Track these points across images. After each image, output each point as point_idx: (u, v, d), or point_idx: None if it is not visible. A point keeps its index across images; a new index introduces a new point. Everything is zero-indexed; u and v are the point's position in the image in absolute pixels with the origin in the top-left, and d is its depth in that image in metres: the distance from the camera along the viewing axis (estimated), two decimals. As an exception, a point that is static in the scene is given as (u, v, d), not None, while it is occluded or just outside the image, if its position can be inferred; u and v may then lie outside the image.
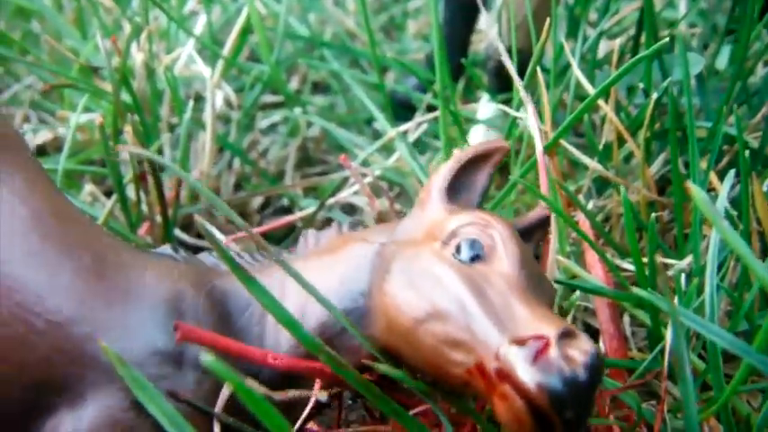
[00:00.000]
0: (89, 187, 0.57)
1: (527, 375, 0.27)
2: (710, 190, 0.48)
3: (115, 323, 0.31)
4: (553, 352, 0.27)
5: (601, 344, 0.43)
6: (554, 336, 0.28)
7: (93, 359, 0.30)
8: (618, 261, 0.47)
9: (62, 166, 0.53)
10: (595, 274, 0.44)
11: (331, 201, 0.57)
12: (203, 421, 0.31)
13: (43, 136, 0.65)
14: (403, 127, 0.60)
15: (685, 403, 0.28)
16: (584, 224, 0.46)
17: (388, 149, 0.61)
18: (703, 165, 0.48)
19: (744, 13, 0.52)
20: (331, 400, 0.34)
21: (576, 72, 0.50)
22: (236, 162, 0.64)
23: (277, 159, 0.67)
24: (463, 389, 0.30)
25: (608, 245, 0.48)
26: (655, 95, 0.48)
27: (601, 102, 0.49)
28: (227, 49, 0.62)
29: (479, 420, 0.34)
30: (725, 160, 0.52)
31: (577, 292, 0.44)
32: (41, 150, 0.66)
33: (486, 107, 0.60)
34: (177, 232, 0.56)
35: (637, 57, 0.43)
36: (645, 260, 0.42)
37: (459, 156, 0.36)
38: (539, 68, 0.47)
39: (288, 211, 0.62)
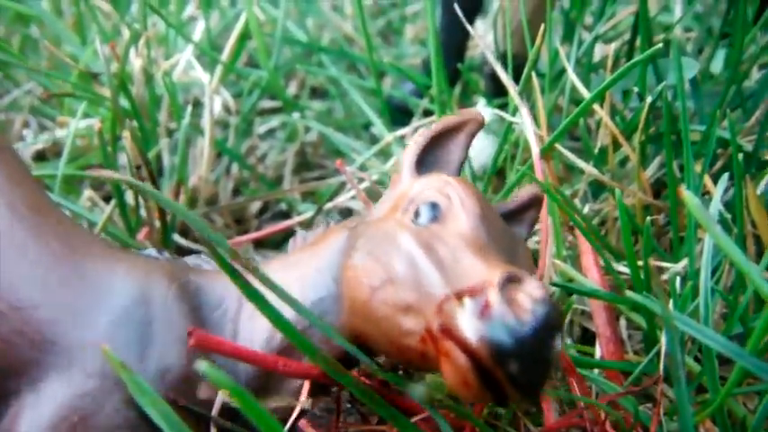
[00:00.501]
0: (88, 192, 0.58)
1: (468, 327, 0.25)
2: (705, 193, 0.49)
3: (79, 309, 0.31)
4: (494, 298, 0.25)
5: (597, 347, 0.43)
6: (497, 281, 0.25)
7: (54, 344, 0.30)
8: (614, 264, 0.47)
9: (61, 171, 0.54)
10: (591, 277, 0.45)
11: (329, 205, 0.57)
12: (191, 423, 0.31)
13: (42, 141, 0.65)
14: (400, 132, 0.60)
15: (680, 406, 0.28)
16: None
17: (385, 154, 0.61)
18: (698, 168, 0.48)
19: (738, 16, 0.52)
20: (313, 405, 0.34)
21: (572, 76, 0.50)
22: (235, 167, 0.65)
23: (275, 164, 0.67)
24: (423, 362, 0.29)
25: (604, 248, 0.48)
26: (649, 99, 0.48)
27: (596, 106, 0.49)
28: (225, 55, 0.62)
29: (478, 424, 0.35)
30: (719, 163, 0.52)
31: (574, 296, 0.44)
32: (41, 156, 0.67)
33: (482, 112, 0.60)
34: (176, 237, 0.56)
35: (631, 61, 0.43)
36: (640, 263, 0.43)
37: (427, 131, 0.35)
38: (534, 73, 0.47)
39: (286, 215, 0.62)
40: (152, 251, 0.37)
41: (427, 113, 0.65)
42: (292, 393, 0.33)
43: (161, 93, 0.62)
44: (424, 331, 0.27)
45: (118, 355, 0.29)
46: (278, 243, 0.59)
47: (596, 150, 0.52)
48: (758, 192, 0.47)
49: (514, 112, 0.50)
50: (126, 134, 0.49)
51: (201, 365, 0.21)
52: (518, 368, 0.24)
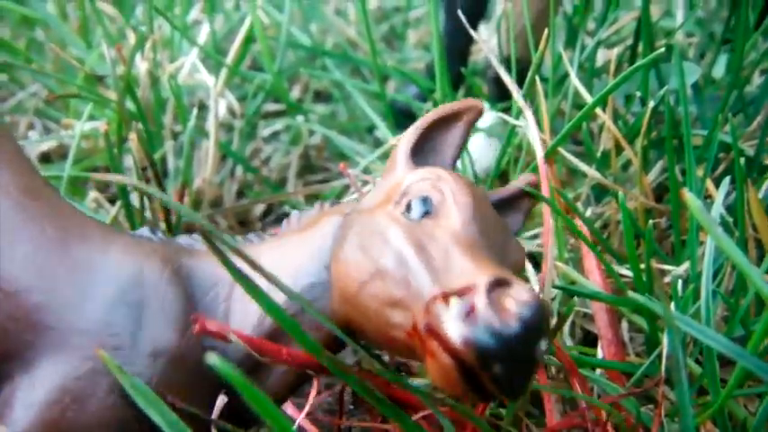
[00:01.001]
0: (93, 194, 0.58)
1: (453, 329, 0.25)
2: (707, 197, 0.49)
3: (73, 294, 0.31)
4: (480, 302, 0.25)
5: (599, 349, 0.44)
6: (484, 284, 0.25)
7: (48, 329, 0.31)
8: (616, 267, 0.47)
9: (67, 173, 0.54)
10: (593, 279, 0.45)
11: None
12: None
13: (48, 143, 0.66)
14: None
15: (681, 407, 0.29)
16: (583, 231, 0.46)
17: (388, 157, 0.62)
18: (700, 172, 0.48)
19: (739, 22, 0.53)
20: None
21: (575, 81, 0.50)
22: (239, 170, 0.65)
23: (279, 167, 0.68)
24: (408, 353, 0.29)
25: (606, 251, 0.48)
26: (651, 104, 0.48)
27: (599, 110, 0.50)
28: (230, 58, 0.63)
29: (480, 424, 0.35)
30: (721, 168, 0.52)
31: (576, 298, 0.44)
32: (46, 157, 0.67)
33: (486, 115, 0.61)
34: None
35: (633, 66, 0.44)
36: (642, 266, 0.43)
37: (423, 118, 0.34)
38: (537, 77, 0.48)
39: (290, 218, 0.62)
40: (145, 230, 0.37)
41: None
42: (280, 376, 0.33)
43: (166, 96, 0.62)
44: (411, 327, 0.27)
45: (111, 338, 0.31)
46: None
47: (599, 154, 0.53)
48: (760, 196, 0.47)
49: (518, 115, 0.50)
50: (132, 136, 0.50)
51: (211, 359, 0.22)
52: (502, 370, 0.24)
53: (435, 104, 0.57)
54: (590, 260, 0.45)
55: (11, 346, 0.31)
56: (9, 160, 0.34)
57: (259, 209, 0.63)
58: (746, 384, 0.42)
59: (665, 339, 0.38)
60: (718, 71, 0.63)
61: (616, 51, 0.54)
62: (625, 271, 0.47)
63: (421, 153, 0.34)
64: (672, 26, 0.76)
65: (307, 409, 0.36)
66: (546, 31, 0.47)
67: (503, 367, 0.24)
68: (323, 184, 0.62)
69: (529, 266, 0.51)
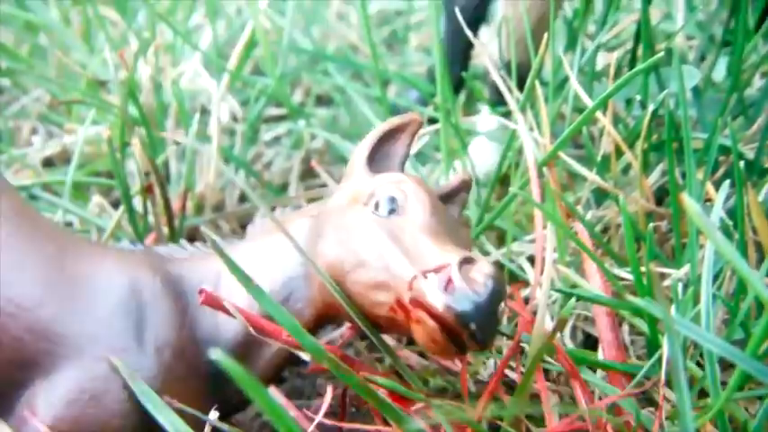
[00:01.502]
0: (96, 199, 0.58)
1: (435, 299, 0.31)
2: (708, 200, 0.49)
3: (78, 304, 0.35)
4: (455, 276, 0.32)
5: (600, 352, 0.44)
6: (456, 262, 0.32)
7: (62, 337, 0.35)
8: (617, 270, 0.48)
9: (71, 177, 0.55)
10: (594, 283, 0.45)
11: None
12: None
13: (51, 148, 0.66)
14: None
15: (681, 410, 0.29)
16: (583, 234, 0.46)
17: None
18: (700, 175, 0.49)
19: (738, 24, 0.53)
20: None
21: (575, 85, 0.50)
22: (241, 174, 0.65)
23: (281, 171, 0.68)
24: (390, 325, 0.35)
25: (607, 254, 0.49)
26: (651, 108, 0.48)
27: (599, 114, 0.50)
28: (231, 63, 0.63)
29: (479, 429, 0.35)
30: (721, 171, 0.53)
31: (576, 300, 0.44)
32: (49, 162, 0.67)
33: (486, 120, 0.61)
34: (183, 242, 0.57)
35: (632, 71, 0.44)
36: (643, 269, 0.43)
37: (376, 130, 0.41)
38: (537, 82, 0.48)
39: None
40: (126, 243, 0.42)
41: (432, 121, 0.66)
42: (269, 359, 0.38)
43: (168, 100, 0.63)
44: (395, 302, 0.33)
45: (118, 341, 0.35)
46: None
47: (599, 158, 0.53)
48: (760, 199, 0.47)
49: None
50: (135, 142, 0.50)
51: (217, 355, 0.24)
52: (477, 327, 0.31)
53: (436, 108, 0.58)
54: (591, 263, 0.46)
55: (29, 355, 0.34)
56: (1, 191, 0.38)
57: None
58: (747, 387, 0.42)
59: (665, 342, 0.38)
60: (719, 74, 0.63)
61: (616, 55, 0.55)
62: (626, 274, 0.47)
63: (373, 161, 0.40)
64: (672, 29, 0.76)
65: (320, 415, 0.37)
66: (546, 36, 0.47)
67: (477, 325, 0.31)
68: (324, 188, 0.62)
69: (529, 268, 0.52)
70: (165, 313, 0.37)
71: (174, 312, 0.37)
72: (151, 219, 0.54)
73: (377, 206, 0.36)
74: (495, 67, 0.48)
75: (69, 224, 0.58)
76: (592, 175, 0.50)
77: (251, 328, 0.36)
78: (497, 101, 0.61)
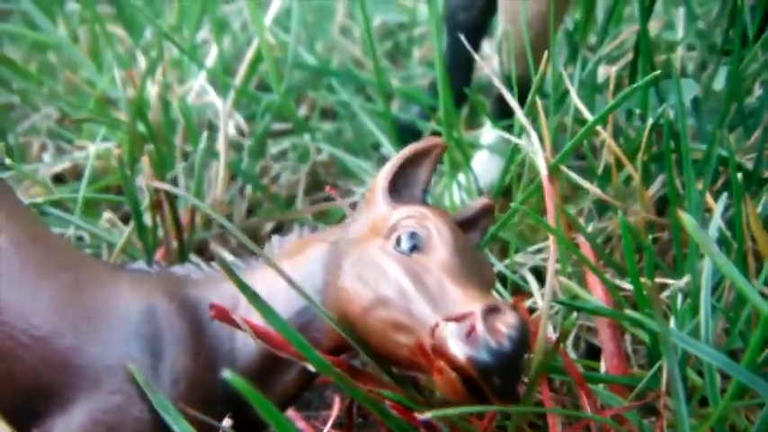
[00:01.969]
0: (107, 214, 0.59)
1: (457, 350, 0.30)
2: (707, 210, 0.50)
3: (94, 334, 0.35)
4: (480, 327, 0.30)
5: (602, 362, 0.44)
6: (480, 311, 0.31)
7: (77, 367, 0.34)
8: (618, 281, 0.48)
9: (82, 194, 0.56)
10: (596, 294, 0.46)
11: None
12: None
13: (61, 164, 0.67)
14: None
15: (679, 420, 0.30)
16: (585, 246, 0.47)
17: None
18: (700, 186, 0.49)
19: (736, 33, 0.53)
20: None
21: (575, 100, 0.51)
22: (249, 188, 0.66)
23: (288, 184, 0.69)
24: (409, 366, 0.34)
25: (609, 266, 0.49)
26: (651, 121, 0.49)
27: (599, 128, 0.51)
28: (238, 79, 0.64)
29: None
30: (721, 181, 0.53)
31: (578, 312, 0.45)
32: (59, 178, 0.69)
33: (489, 133, 0.62)
34: (192, 257, 0.58)
35: (632, 87, 0.45)
36: (643, 280, 0.44)
37: (398, 156, 0.39)
38: (538, 96, 0.48)
39: (299, 234, 0.63)
40: (141, 264, 0.41)
41: (435, 135, 0.67)
42: (287, 383, 0.37)
43: (176, 117, 0.64)
44: (415, 347, 0.32)
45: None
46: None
47: (600, 169, 0.53)
48: (759, 209, 0.48)
49: (520, 133, 0.51)
50: (145, 159, 0.51)
51: (229, 376, 0.25)
52: (498, 380, 0.30)
53: (438, 122, 0.58)
54: (593, 275, 0.46)
55: (44, 385, 0.34)
56: (15, 213, 0.38)
57: (269, 226, 0.65)
58: (749, 395, 0.43)
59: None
60: (720, 83, 0.63)
61: (615, 69, 0.55)
62: (628, 285, 0.48)
63: (395, 188, 0.38)
64: (673, 38, 0.76)
65: (328, 427, 0.38)
66: (546, 53, 0.48)
67: (499, 378, 0.30)
68: (330, 202, 0.63)
69: (532, 279, 0.52)
70: (182, 341, 0.36)
71: (191, 339, 0.36)
72: (160, 233, 0.55)
73: (398, 241, 0.35)
74: (500, 81, 0.48)
75: (80, 239, 0.59)
76: (593, 188, 0.51)
77: (254, 336, 0.35)
78: (499, 114, 0.61)
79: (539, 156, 0.44)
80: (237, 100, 0.65)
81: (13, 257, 0.36)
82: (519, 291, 0.52)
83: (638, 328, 0.46)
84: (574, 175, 0.50)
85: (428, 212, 0.36)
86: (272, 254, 0.41)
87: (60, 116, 0.72)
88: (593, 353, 0.50)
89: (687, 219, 0.31)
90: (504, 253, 0.56)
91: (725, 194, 0.43)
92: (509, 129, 0.57)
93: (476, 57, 0.51)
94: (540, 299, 0.49)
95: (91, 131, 0.68)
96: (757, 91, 0.66)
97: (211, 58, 0.70)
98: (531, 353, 0.37)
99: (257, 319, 0.35)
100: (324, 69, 0.74)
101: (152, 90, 0.61)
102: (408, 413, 0.37)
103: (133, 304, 0.36)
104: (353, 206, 0.60)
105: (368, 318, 0.34)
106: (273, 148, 0.72)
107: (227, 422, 0.36)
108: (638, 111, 0.54)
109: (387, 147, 0.63)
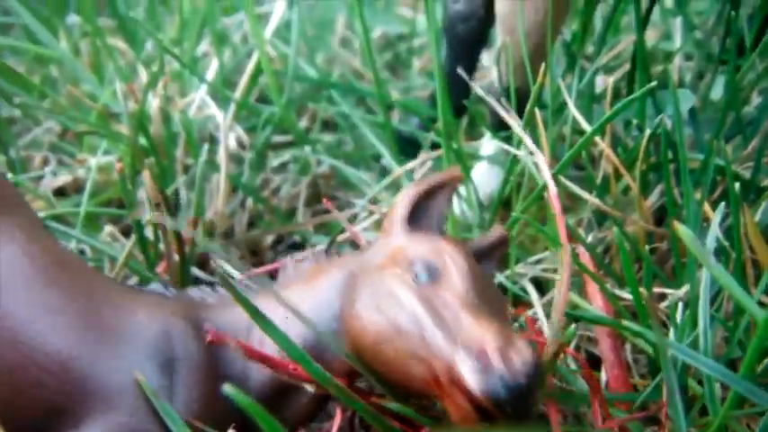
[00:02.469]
0: (108, 228, 0.60)
1: (473, 384, 0.31)
2: (706, 220, 0.50)
3: (110, 357, 0.35)
4: (495, 361, 0.31)
5: (603, 372, 0.45)
6: (496, 344, 0.32)
7: (93, 389, 0.35)
8: (618, 291, 0.48)
9: (84, 208, 0.56)
10: (596, 304, 0.46)
11: (342, 237, 0.59)
12: None
13: (63, 178, 0.68)
14: (409, 165, 0.62)
15: (677, 430, 0.30)
16: (585, 256, 0.47)
17: (396, 185, 0.63)
18: (698, 196, 0.49)
19: (733, 43, 0.54)
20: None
21: (573, 110, 0.52)
22: (250, 200, 0.67)
23: (288, 196, 0.69)
24: (422, 395, 0.35)
25: (608, 275, 0.49)
26: (649, 131, 0.49)
27: (597, 138, 0.51)
28: (238, 92, 0.65)
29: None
30: (719, 191, 0.53)
31: (578, 322, 0.45)
32: (61, 192, 0.69)
33: (489, 144, 0.62)
34: (193, 270, 0.58)
35: (629, 98, 0.45)
36: (643, 290, 0.44)
37: (416, 187, 0.40)
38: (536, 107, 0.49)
39: (300, 246, 0.64)
40: (158, 286, 0.41)
41: (435, 146, 0.67)
42: (301, 407, 0.38)
43: (177, 130, 0.64)
44: (430, 377, 0.33)
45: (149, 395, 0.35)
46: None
47: (599, 180, 0.54)
48: (757, 218, 0.48)
49: (519, 144, 0.52)
50: (146, 173, 0.51)
51: (228, 390, 0.25)
52: (512, 411, 0.31)
53: (438, 134, 0.59)
54: (592, 285, 0.47)
55: (60, 406, 0.35)
56: (33, 234, 0.38)
57: (270, 238, 0.65)
58: (749, 404, 0.43)
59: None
60: (717, 93, 0.64)
61: (612, 79, 0.56)
62: (628, 294, 0.48)
63: (413, 217, 0.39)
64: (670, 47, 0.77)
65: None
66: (543, 65, 0.48)
67: (513, 408, 0.31)
68: (331, 214, 0.63)
69: (532, 290, 0.53)
70: (196, 365, 0.36)
71: (205, 365, 0.37)
72: (162, 247, 0.55)
73: (415, 272, 0.36)
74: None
75: (82, 253, 0.60)
76: (591, 198, 0.51)
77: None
78: (499, 126, 0.62)
79: (542, 166, 0.44)
80: (238, 112, 0.65)
81: (35, 281, 0.36)
82: (519, 301, 0.53)
83: (637, 338, 0.46)
84: (573, 186, 0.50)
85: (445, 245, 0.37)
86: (287, 279, 0.41)
87: (62, 130, 0.73)
88: (594, 363, 0.50)
89: (684, 230, 0.31)
90: (504, 263, 0.57)
91: (723, 204, 0.44)
92: (508, 140, 0.58)
93: (465, 75, 0.52)
94: (540, 309, 0.50)
95: (92, 145, 0.68)
96: (755, 100, 0.66)
97: (212, 70, 0.70)
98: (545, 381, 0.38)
99: (272, 343, 0.35)
100: (324, 81, 0.74)
101: (153, 103, 0.61)
102: (410, 425, 0.37)
103: (149, 327, 0.37)
104: (353, 218, 0.61)
105: (382, 347, 0.34)
106: (274, 161, 0.72)
107: None
108: (635, 121, 0.55)
109: (387, 158, 0.63)
